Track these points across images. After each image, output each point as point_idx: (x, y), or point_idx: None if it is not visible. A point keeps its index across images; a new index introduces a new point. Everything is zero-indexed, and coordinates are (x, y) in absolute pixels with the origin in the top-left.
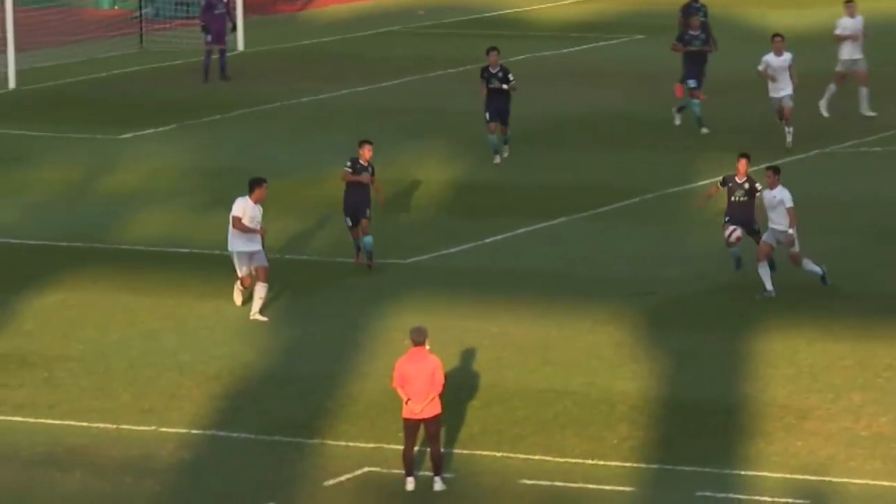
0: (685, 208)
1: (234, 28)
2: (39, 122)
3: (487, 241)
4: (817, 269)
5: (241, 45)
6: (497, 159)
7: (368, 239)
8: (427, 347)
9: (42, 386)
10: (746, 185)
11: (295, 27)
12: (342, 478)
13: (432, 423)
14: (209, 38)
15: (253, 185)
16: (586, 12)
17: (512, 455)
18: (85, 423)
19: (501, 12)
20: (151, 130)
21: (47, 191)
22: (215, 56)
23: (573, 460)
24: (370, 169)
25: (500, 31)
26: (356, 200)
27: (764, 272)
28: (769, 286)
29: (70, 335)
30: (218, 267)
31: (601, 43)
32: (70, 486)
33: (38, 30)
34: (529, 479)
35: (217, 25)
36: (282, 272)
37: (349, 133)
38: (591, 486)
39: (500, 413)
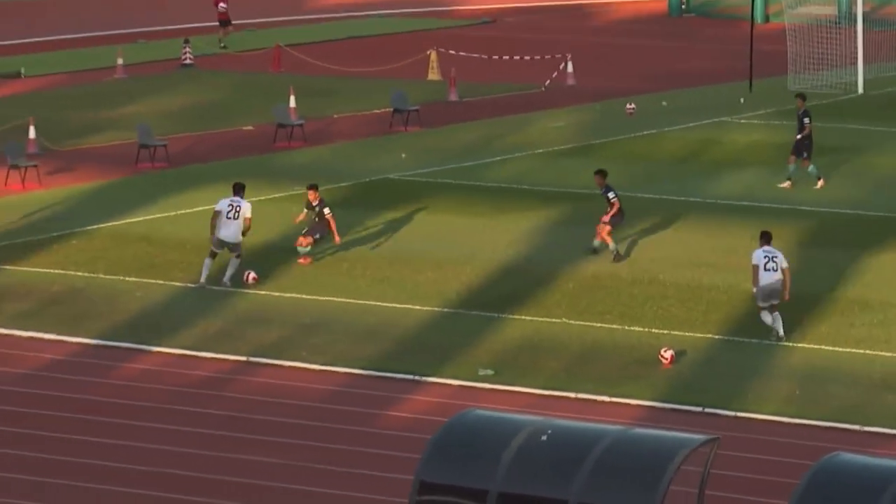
0: None
1: None
2: (880, 119)
3: None
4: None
5: None
6: (786, 184)
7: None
8: None
9: (878, 326)
10: None
11: None
12: None
13: None
14: None
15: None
16: None
17: None
18: None
19: None
20: None
21: (886, 173)
22: None
23: None
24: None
25: None
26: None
27: None
28: None
29: None
30: None
31: None
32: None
33: (882, 47)
34: None
35: None
36: None
37: None
38: None
39: None
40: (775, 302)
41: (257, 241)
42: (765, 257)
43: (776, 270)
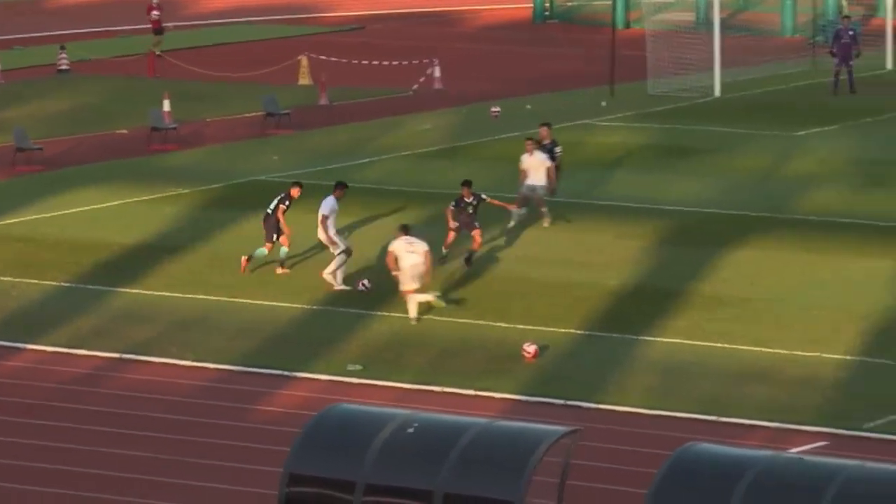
0: None
1: (859, 54)
2: (736, 122)
3: None
4: None
5: (889, 65)
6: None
7: None
8: None
9: (734, 320)
10: None
11: None
12: None
13: None
14: (837, 61)
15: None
16: None
17: None
18: (768, 349)
19: None
20: (819, 129)
21: (742, 173)
22: (843, 77)
23: None
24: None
25: None
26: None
27: None
28: None
29: (756, 282)
30: (882, 235)
31: None
32: (759, 396)
33: (738, 52)
34: None
35: (843, 51)
36: None
37: None
38: None
39: None
40: (418, 285)
41: (131, 241)
42: (407, 243)
43: (418, 254)
